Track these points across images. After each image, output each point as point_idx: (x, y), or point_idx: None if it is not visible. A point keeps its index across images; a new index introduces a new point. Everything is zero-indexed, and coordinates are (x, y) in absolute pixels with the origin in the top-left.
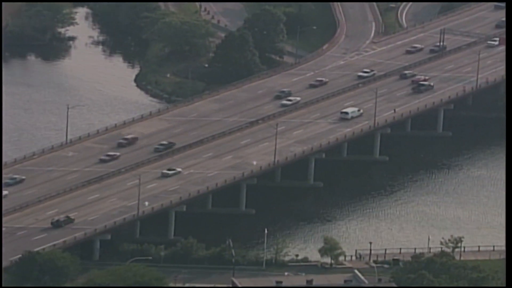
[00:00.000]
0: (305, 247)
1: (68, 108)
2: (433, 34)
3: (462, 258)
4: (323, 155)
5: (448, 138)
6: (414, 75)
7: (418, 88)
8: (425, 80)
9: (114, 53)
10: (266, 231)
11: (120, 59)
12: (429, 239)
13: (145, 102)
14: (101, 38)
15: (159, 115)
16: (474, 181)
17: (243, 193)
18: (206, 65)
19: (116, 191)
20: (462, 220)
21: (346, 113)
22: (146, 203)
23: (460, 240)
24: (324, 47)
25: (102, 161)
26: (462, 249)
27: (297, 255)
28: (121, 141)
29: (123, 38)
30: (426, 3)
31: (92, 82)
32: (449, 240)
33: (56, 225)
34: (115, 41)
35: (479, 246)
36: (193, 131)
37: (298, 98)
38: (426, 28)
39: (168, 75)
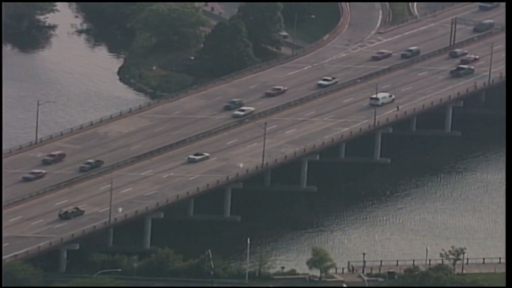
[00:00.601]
0: (293, 259)
1: (38, 105)
2: (445, 24)
3: (464, 271)
4: (317, 157)
5: (457, 138)
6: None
7: (457, 72)
8: (475, 59)
9: (99, 43)
10: (249, 241)
11: (105, 49)
12: (427, 250)
13: (128, 97)
14: (84, 26)
15: (140, 112)
16: (485, 186)
17: (227, 199)
18: (192, 58)
19: (87, 196)
20: (469, 229)
21: (377, 99)
22: (120, 209)
23: (461, 251)
24: (325, 37)
25: (26, 179)
26: (465, 261)
27: (283, 267)
28: (46, 158)
29: (108, 26)
30: None
31: (73, 74)
32: (449, 251)
33: (64, 217)
34: (100, 30)
35: (483, 259)
36: (176, 130)
37: (252, 108)
38: (438, 17)
39: (154, 68)
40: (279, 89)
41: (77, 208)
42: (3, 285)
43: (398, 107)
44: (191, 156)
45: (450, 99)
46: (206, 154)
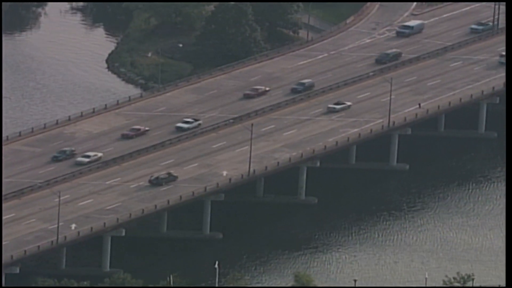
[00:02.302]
0: (274, 283)
1: None
2: (492, 4)
3: None
4: (317, 163)
5: (492, 140)
6: None
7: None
8: None
9: (97, 23)
10: (217, 265)
11: (102, 31)
12: (426, 279)
13: (116, 89)
14: (80, 4)
15: (118, 108)
16: None
17: (207, 213)
18: (180, 45)
19: (37, 210)
20: (491, 250)
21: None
22: (73, 225)
23: (469, 278)
24: (349, 20)
25: None
26: None
27: None
28: None
29: (108, 4)
30: None
31: (58, 61)
32: (454, 278)
33: (156, 182)
34: (98, 9)
35: (499, 286)
36: (156, 131)
37: (100, 154)
38: None
39: (150, 55)
40: (259, 89)
41: (169, 173)
42: (3, 285)
43: (419, 105)
44: (331, 106)
45: (483, 95)
46: (348, 103)
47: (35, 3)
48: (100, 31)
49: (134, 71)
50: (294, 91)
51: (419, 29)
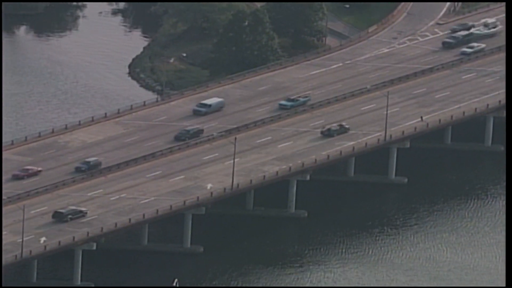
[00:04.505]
0: None
1: None
2: None
3: None
4: (307, 177)
5: (498, 153)
6: None
7: None
8: None
9: (134, 26)
10: (176, 282)
11: (138, 34)
12: None
13: (135, 95)
14: (121, 5)
15: (118, 117)
16: None
17: (187, 227)
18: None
19: (10, 222)
20: (477, 270)
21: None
22: (43, 239)
23: None
24: (371, 29)
25: None
26: None
27: None
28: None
29: (148, 6)
30: None
31: (83, 66)
32: None
33: (327, 134)
34: (139, 11)
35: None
36: (150, 141)
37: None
38: None
39: (172, 60)
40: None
41: (341, 125)
42: (3, 285)
43: (422, 118)
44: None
45: (488, 109)
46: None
47: (74, 3)
48: (135, 35)
49: (153, 77)
50: (77, 170)
51: (218, 107)
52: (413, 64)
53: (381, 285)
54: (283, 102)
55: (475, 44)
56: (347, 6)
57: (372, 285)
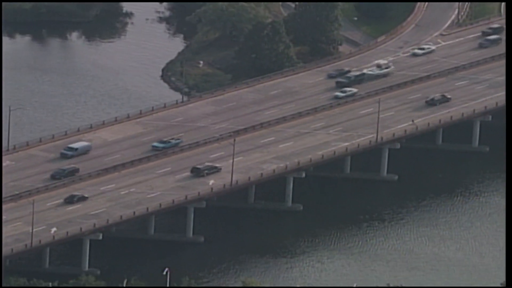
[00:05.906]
0: None
1: (10, 110)
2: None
3: None
4: (303, 175)
5: (484, 154)
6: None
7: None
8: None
9: (177, 33)
10: (166, 272)
11: (179, 41)
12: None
13: (162, 97)
14: (167, 13)
15: (139, 117)
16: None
17: (190, 219)
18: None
19: (26, 213)
20: (475, 266)
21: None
22: (53, 229)
23: None
24: (380, 38)
25: None
26: None
27: None
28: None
29: (190, 14)
30: None
31: (124, 70)
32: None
33: (431, 103)
34: (182, 18)
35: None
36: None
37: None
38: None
39: (201, 65)
40: None
41: (443, 95)
42: (3, 285)
43: (413, 120)
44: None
45: (475, 113)
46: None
47: (123, 11)
48: (176, 41)
49: (181, 80)
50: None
51: (85, 151)
52: (413, 71)
53: (363, 275)
54: (155, 143)
55: (347, 89)
56: (355, 18)
57: (372, 285)
